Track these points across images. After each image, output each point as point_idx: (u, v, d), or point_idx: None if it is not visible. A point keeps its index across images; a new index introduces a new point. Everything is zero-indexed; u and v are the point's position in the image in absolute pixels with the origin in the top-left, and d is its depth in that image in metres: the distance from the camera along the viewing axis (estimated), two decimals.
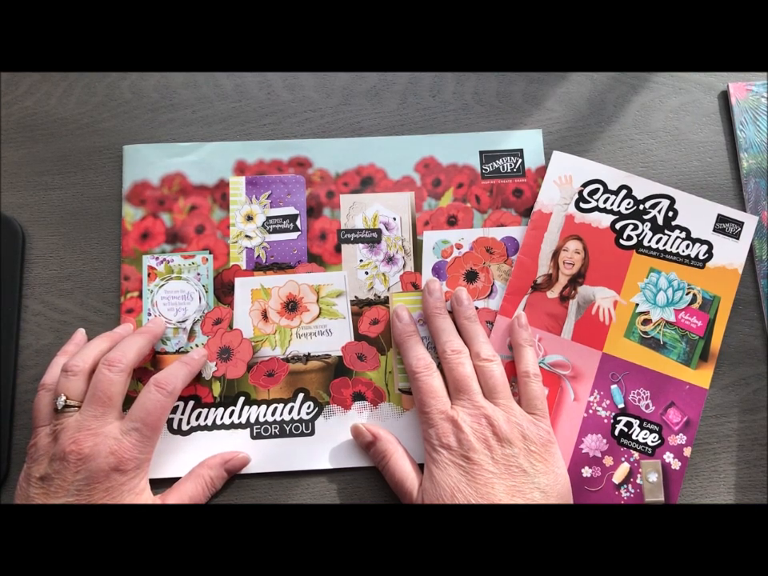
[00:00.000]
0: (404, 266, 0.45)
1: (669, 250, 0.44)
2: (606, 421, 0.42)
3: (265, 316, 0.44)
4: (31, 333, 0.44)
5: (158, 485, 0.40)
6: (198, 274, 0.44)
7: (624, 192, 0.45)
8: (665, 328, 0.43)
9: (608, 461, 0.42)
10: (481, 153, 0.47)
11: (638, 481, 0.41)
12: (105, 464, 0.35)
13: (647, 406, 0.42)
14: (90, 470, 0.35)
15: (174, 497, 0.39)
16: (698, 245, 0.44)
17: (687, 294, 0.44)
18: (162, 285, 0.44)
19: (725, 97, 0.48)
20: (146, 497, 0.37)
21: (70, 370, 0.38)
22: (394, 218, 0.46)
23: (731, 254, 0.44)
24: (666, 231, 0.45)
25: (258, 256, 0.45)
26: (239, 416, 0.42)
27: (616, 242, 0.45)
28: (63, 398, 0.37)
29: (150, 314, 0.43)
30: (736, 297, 0.44)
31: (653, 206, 0.45)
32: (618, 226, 0.45)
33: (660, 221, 0.45)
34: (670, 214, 0.45)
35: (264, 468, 0.41)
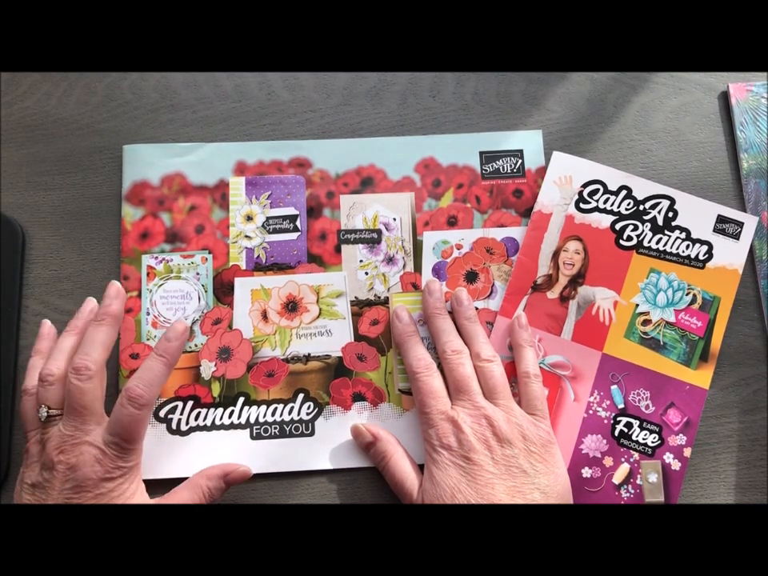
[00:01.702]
0: (404, 266, 0.45)
1: (669, 250, 0.44)
2: (605, 421, 0.42)
3: (265, 316, 0.44)
4: (31, 333, 0.44)
5: (156, 485, 0.40)
6: (198, 274, 0.44)
7: (624, 192, 0.45)
8: (665, 328, 0.43)
9: (608, 461, 0.42)
10: (481, 153, 0.47)
11: (638, 481, 0.41)
12: (92, 473, 0.35)
13: (647, 407, 0.42)
14: (78, 480, 0.35)
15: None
16: (698, 245, 0.44)
17: (687, 295, 0.44)
18: (161, 284, 0.44)
19: (725, 97, 0.48)
20: (138, 499, 0.37)
21: (45, 379, 0.37)
22: (394, 219, 0.46)
23: (731, 255, 0.44)
24: (666, 232, 0.45)
25: (258, 256, 0.45)
26: (239, 416, 0.42)
27: (616, 243, 0.45)
28: (45, 408, 0.37)
29: (148, 314, 0.43)
30: (736, 297, 0.44)
31: (653, 207, 0.45)
32: (618, 226, 0.45)
33: (660, 221, 0.45)
34: (670, 214, 0.45)
35: (264, 468, 0.41)
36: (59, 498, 0.35)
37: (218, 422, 0.42)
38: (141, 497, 0.37)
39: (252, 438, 0.42)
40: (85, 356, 0.37)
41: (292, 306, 0.44)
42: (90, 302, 0.42)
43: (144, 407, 0.37)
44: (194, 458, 0.41)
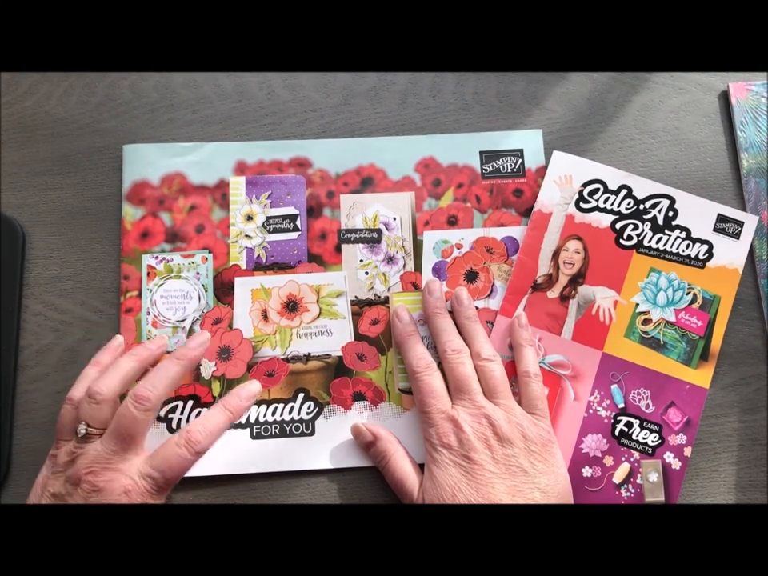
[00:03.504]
0: (404, 265, 0.45)
1: (669, 249, 0.44)
2: (606, 421, 0.42)
3: (265, 316, 0.44)
4: (31, 333, 0.44)
5: None
6: (198, 274, 0.44)
7: (624, 192, 0.45)
8: (665, 328, 0.43)
9: (608, 461, 0.42)
10: (481, 153, 0.47)
11: (638, 481, 0.41)
12: (115, 501, 0.35)
13: (647, 406, 0.42)
14: (100, 503, 0.35)
15: None
16: (698, 245, 0.44)
17: (687, 294, 0.44)
18: (161, 284, 0.44)
19: (725, 97, 0.48)
20: None
21: (93, 397, 0.37)
22: (394, 218, 0.46)
23: (731, 254, 0.44)
24: (666, 231, 0.45)
25: (258, 256, 0.45)
26: None
27: (616, 242, 0.45)
28: (84, 426, 0.36)
29: (148, 313, 0.43)
30: (736, 297, 0.44)
31: (653, 206, 0.45)
32: (618, 225, 0.45)
33: (660, 221, 0.45)
34: (670, 213, 0.45)
35: (264, 468, 0.41)
36: None
37: None
38: None
39: (252, 437, 0.42)
40: (151, 387, 0.37)
41: (292, 306, 0.44)
42: (160, 339, 0.42)
43: (198, 454, 0.37)
44: None
